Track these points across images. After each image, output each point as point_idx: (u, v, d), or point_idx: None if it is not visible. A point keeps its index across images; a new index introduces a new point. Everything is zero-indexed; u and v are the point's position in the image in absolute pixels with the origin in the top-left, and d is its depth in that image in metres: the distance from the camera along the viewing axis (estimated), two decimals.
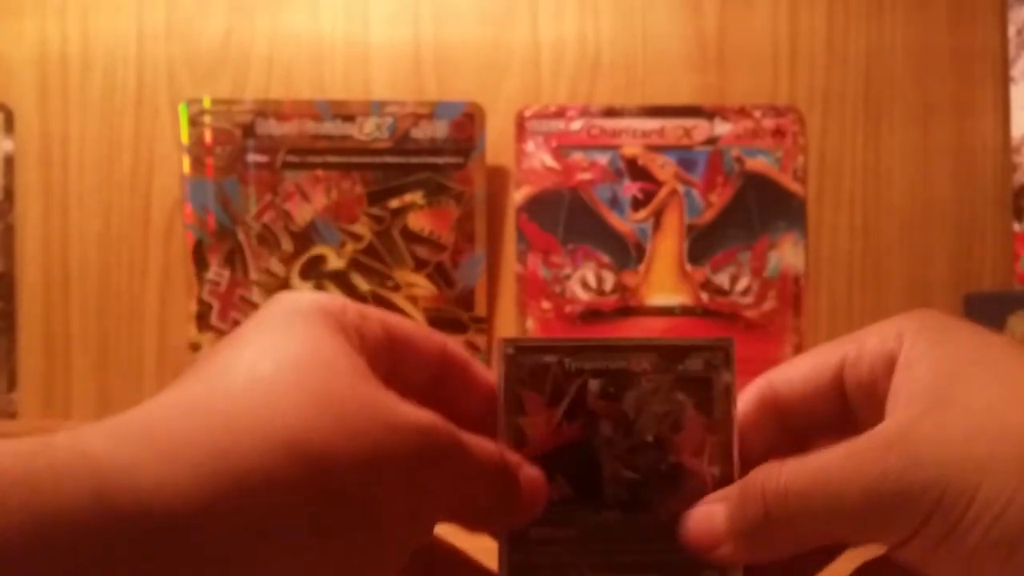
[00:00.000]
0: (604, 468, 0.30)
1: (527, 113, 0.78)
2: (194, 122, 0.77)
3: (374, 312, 0.28)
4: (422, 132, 0.77)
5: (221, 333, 0.76)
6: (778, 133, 0.79)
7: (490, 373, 0.30)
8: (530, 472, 0.29)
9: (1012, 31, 0.81)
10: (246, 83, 0.78)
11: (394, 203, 0.77)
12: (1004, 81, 0.81)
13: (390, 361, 0.27)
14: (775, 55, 0.80)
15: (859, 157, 0.80)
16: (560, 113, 0.78)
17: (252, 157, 0.76)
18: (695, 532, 0.29)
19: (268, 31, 0.78)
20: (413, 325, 0.29)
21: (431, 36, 0.79)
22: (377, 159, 0.77)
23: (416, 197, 0.77)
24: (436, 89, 0.79)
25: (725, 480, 0.30)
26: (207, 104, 0.77)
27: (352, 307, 0.27)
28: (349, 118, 0.77)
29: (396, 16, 0.79)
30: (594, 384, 0.30)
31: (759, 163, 0.79)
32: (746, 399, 0.31)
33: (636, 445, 0.30)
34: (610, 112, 0.79)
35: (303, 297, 0.26)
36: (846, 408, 0.30)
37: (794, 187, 0.79)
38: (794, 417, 0.30)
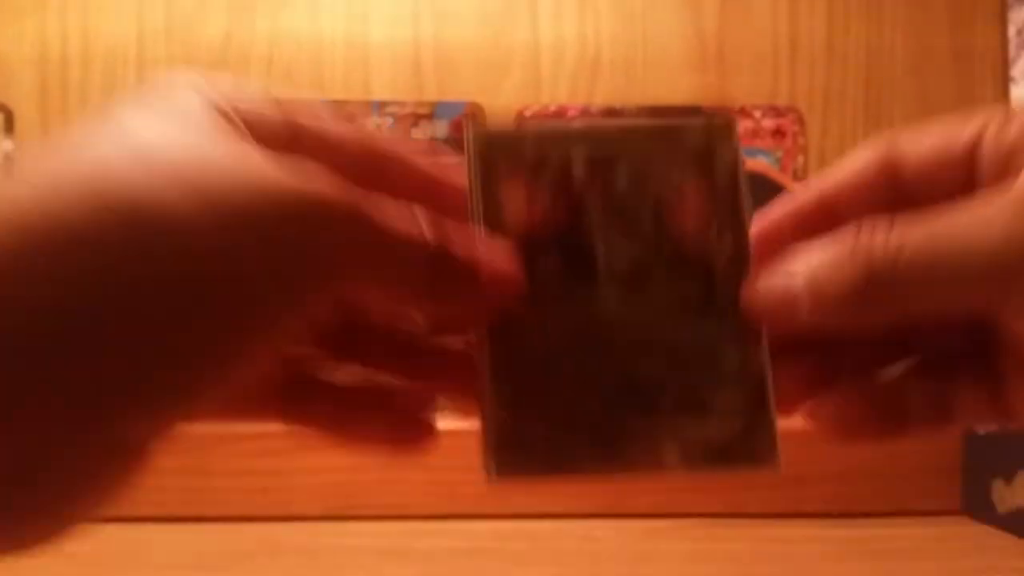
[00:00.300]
0: (597, 249, 0.27)
1: (527, 113, 0.78)
2: None
3: (277, 103, 0.26)
4: (422, 132, 0.76)
5: None
6: (778, 133, 0.79)
7: (434, 165, 0.28)
8: (494, 250, 0.26)
9: (1012, 31, 0.81)
10: None
11: None
12: (1004, 81, 0.81)
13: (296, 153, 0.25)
14: (775, 55, 0.80)
15: None
16: (560, 113, 0.78)
17: None
18: (764, 294, 0.26)
19: (268, 31, 0.78)
20: (329, 120, 0.27)
21: (431, 36, 0.79)
22: None
23: None
24: (436, 89, 0.79)
25: (738, 258, 0.27)
26: None
27: (246, 97, 0.25)
28: (349, 118, 0.77)
29: (396, 16, 0.79)
30: (580, 167, 0.27)
31: (759, 163, 0.79)
32: (863, 155, 0.28)
33: (632, 224, 0.27)
34: (610, 112, 0.79)
35: (184, 79, 0.25)
36: (972, 182, 0.26)
37: (794, 187, 0.79)
38: (912, 184, 0.27)
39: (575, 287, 0.27)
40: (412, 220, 0.24)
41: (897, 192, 0.27)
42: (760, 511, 0.70)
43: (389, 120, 0.77)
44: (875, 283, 0.24)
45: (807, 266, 0.25)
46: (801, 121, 0.80)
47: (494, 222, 0.27)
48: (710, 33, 0.80)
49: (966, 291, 0.24)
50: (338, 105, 0.77)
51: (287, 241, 0.22)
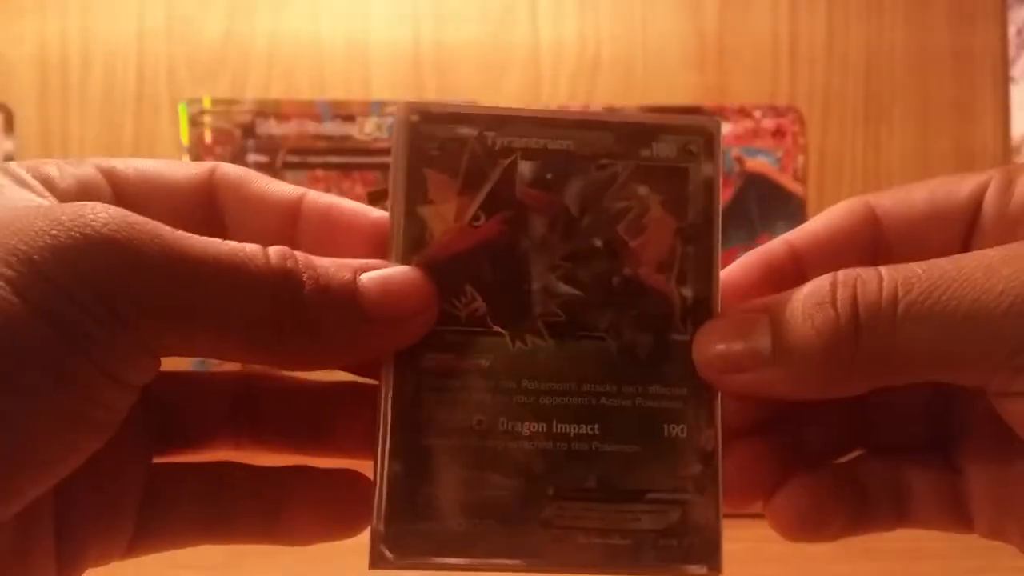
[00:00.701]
0: (533, 279, 0.22)
1: None
2: (194, 122, 0.77)
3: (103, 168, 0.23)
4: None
5: None
6: (778, 133, 0.79)
7: (279, 188, 0.24)
8: (393, 278, 0.21)
9: (1012, 31, 0.81)
10: (246, 83, 0.78)
11: None
12: (1004, 81, 0.81)
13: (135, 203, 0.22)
14: (775, 55, 0.80)
15: (859, 157, 0.80)
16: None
17: (252, 157, 0.76)
18: (716, 350, 0.22)
19: (268, 31, 0.78)
20: (161, 165, 0.24)
21: (431, 36, 0.79)
22: (377, 159, 0.77)
23: None
24: (436, 89, 0.79)
25: (700, 305, 0.22)
26: (207, 104, 0.77)
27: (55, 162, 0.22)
28: (349, 118, 0.77)
29: (396, 16, 0.79)
30: (526, 167, 0.23)
31: (759, 163, 0.79)
32: (842, 209, 0.24)
33: (579, 251, 0.23)
34: (608, 113, 0.79)
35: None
36: (966, 245, 0.23)
37: (794, 187, 0.79)
38: (896, 243, 0.24)
39: (499, 328, 0.22)
40: (247, 250, 0.20)
41: (878, 251, 0.24)
42: (760, 511, 0.70)
43: (389, 120, 0.77)
44: (861, 335, 0.20)
45: (776, 320, 0.21)
46: (801, 121, 0.80)
47: (419, 237, 0.22)
48: (710, 33, 0.80)
49: (975, 355, 0.20)
50: (338, 105, 0.77)
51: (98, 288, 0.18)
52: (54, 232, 0.18)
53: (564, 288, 0.23)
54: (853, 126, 0.80)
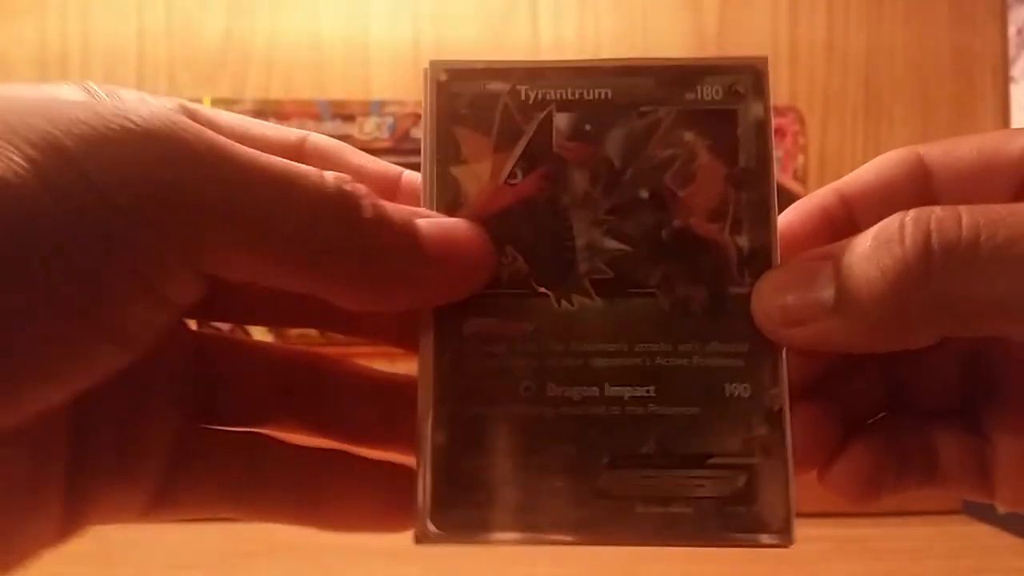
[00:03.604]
0: (576, 235, 0.21)
1: None
2: None
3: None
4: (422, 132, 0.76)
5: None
6: (778, 133, 0.79)
7: (375, 164, 0.23)
8: (453, 224, 0.20)
9: (1012, 31, 0.81)
10: (246, 83, 0.78)
11: None
12: (1004, 81, 0.81)
13: None
14: (775, 55, 0.80)
15: (859, 157, 0.80)
16: None
17: None
18: (776, 302, 0.20)
19: (268, 31, 0.78)
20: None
21: (431, 36, 0.79)
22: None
23: None
24: None
25: (758, 255, 0.21)
26: (207, 104, 0.77)
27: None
28: (349, 118, 0.77)
29: (396, 16, 0.79)
30: (563, 119, 0.21)
31: None
32: (891, 159, 0.23)
33: (624, 204, 0.21)
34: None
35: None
36: (1017, 198, 0.22)
37: (794, 187, 0.79)
38: (945, 196, 0.22)
39: (546, 287, 0.21)
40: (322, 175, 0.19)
41: (925, 202, 0.21)
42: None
43: (389, 120, 0.77)
44: (932, 274, 0.18)
45: (839, 266, 0.19)
46: (801, 121, 0.79)
47: (454, 197, 0.21)
48: (710, 33, 0.80)
49: None
50: (338, 105, 0.77)
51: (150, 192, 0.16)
52: (91, 122, 0.16)
53: (610, 243, 0.21)
54: (853, 126, 0.80)
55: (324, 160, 0.23)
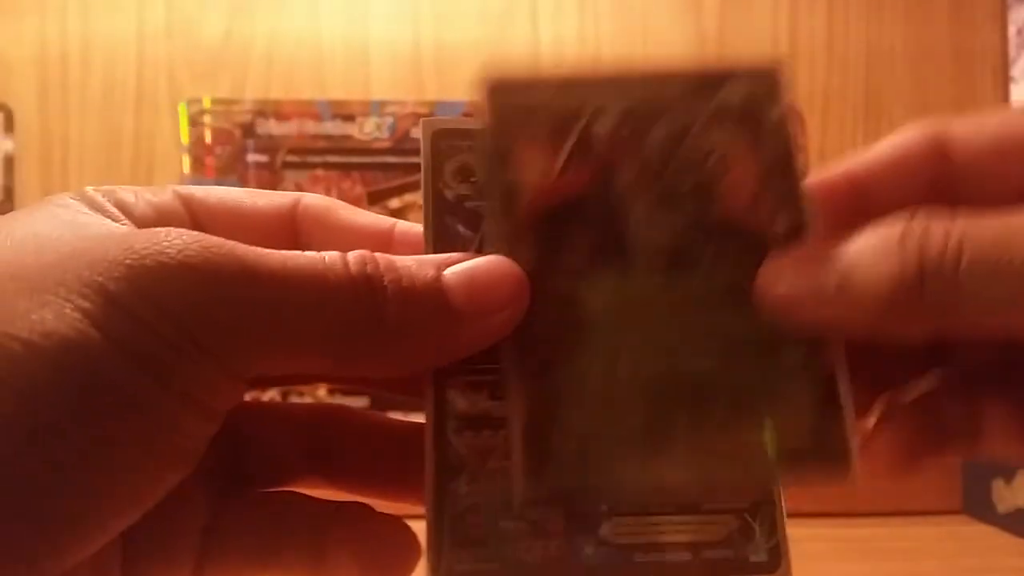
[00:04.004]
0: (628, 226, 0.22)
1: None
2: (194, 122, 0.77)
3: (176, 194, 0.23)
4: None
5: None
6: None
7: (367, 218, 0.24)
8: (472, 269, 0.21)
9: (1012, 31, 0.81)
10: (246, 83, 0.78)
11: (394, 203, 0.77)
12: (1004, 81, 0.81)
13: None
14: (775, 55, 0.80)
15: None
16: None
17: (252, 157, 0.76)
18: (779, 288, 0.21)
19: (268, 31, 0.78)
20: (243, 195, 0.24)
21: (431, 36, 0.79)
22: (377, 159, 0.77)
23: (416, 197, 0.77)
24: (436, 89, 0.79)
25: (794, 236, 0.22)
26: (207, 104, 0.77)
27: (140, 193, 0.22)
28: (349, 118, 0.77)
29: (396, 16, 0.79)
30: (604, 123, 0.23)
31: None
32: (907, 136, 0.24)
33: (668, 196, 0.23)
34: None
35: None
36: None
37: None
38: (963, 176, 0.23)
39: (602, 276, 0.22)
40: (323, 258, 0.20)
41: (943, 184, 0.23)
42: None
43: (389, 120, 0.77)
44: (925, 287, 0.19)
45: (841, 260, 0.21)
46: (801, 121, 0.79)
47: (509, 201, 0.22)
48: (710, 33, 0.80)
49: None
50: (338, 105, 0.77)
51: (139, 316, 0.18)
52: (129, 261, 0.18)
53: (660, 229, 0.22)
54: (853, 126, 0.80)
55: (317, 222, 0.24)
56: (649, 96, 0.23)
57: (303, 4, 0.79)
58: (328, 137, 0.76)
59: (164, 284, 0.18)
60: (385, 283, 0.20)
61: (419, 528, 0.22)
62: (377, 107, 0.77)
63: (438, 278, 0.20)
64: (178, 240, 0.18)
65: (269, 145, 0.76)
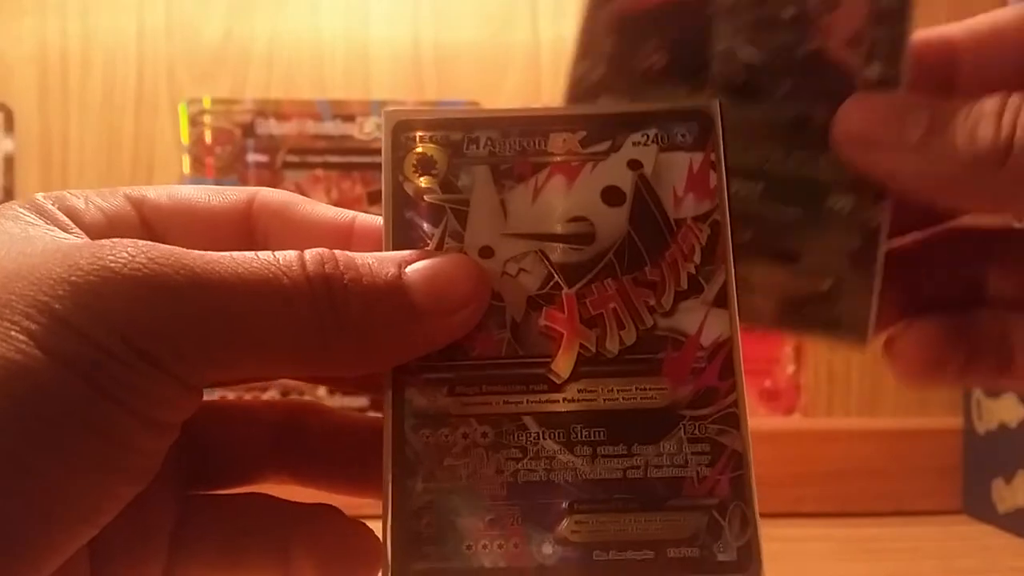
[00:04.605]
0: (717, 39, 0.22)
1: None
2: (194, 122, 0.77)
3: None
4: None
5: None
6: None
7: (326, 212, 0.24)
8: (434, 267, 0.20)
9: None
10: (246, 83, 0.78)
11: None
12: None
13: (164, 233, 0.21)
14: None
15: None
16: None
17: (252, 157, 0.76)
18: (863, 120, 0.21)
19: (268, 31, 0.78)
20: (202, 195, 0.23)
21: (431, 36, 0.79)
22: (377, 159, 0.76)
23: None
24: (436, 89, 0.79)
25: (885, 85, 0.22)
26: (207, 104, 0.77)
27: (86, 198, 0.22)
28: (349, 118, 0.77)
29: (396, 16, 0.79)
30: None
31: None
32: (1010, 11, 0.24)
33: (768, 18, 0.22)
34: None
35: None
36: None
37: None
38: None
39: (677, 79, 0.22)
40: (277, 260, 0.19)
41: None
42: (759, 511, 0.70)
43: None
44: (1011, 158, 0.20)
45: (935, 113, 0.20)
46: None
47: None
48: None
49: None
50: (338, 105, 0.77)
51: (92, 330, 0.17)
52: (74, 278, 0.17)
53: (746, 52, 0.22)
54: None
55: (275, 217, 0.23)
56: None
57: (303, 4, 0.79)
58: (328, 137, 0.76)
59: (110, 299, 0.17)
60: (345, 281, 0.19)
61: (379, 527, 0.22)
62: (377, 107, 0.77)
63: (399, 276, 0.20)
64: (123, 253, 0.18)
65: (269, 145, 0.76)
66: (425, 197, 0.23)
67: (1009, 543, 0.66)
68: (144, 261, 0.18)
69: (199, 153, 0.76)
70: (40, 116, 0.77)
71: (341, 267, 0.19)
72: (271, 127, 0.76)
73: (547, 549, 0.21)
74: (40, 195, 0.21)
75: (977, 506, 0.72)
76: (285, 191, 0.24)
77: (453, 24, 0.79)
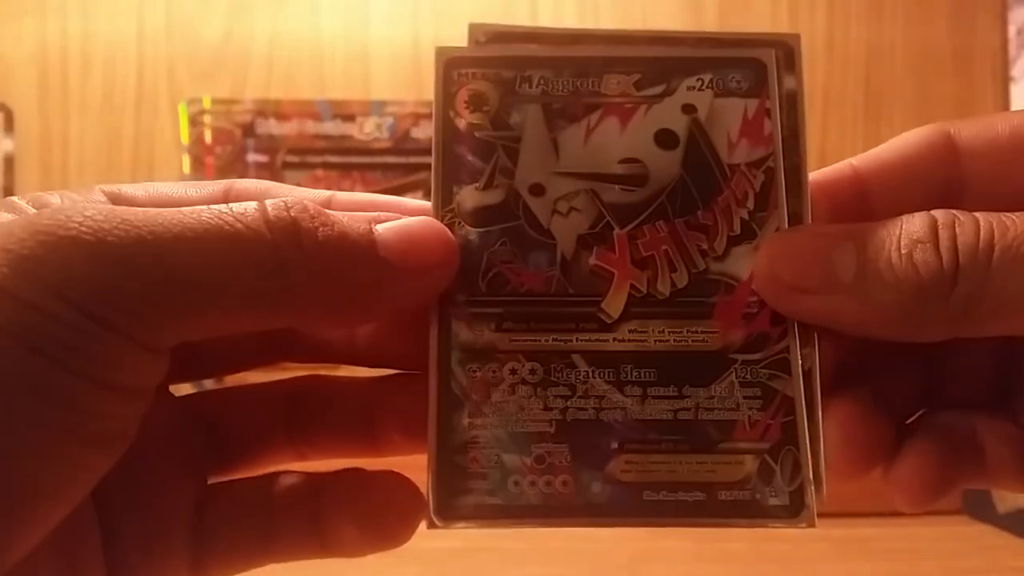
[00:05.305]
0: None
1: None
2: (194, 122, 0.77)
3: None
4: (422, 132, 0.76)
5: None
6: None
7: (302, 194, 0.24)
8: (406, 225, 0.20)
9: (1012, 31, 0.81)
10: (246, 83, 0.78)
11: None
12: (1004, 81, 0.81)
13: None
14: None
15: None
16: None
17: (252, 157, 0.76)
18: (787, 265, 0.21)
19: (268, 31, 0.78)
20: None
21: (431, 36, 0.79)
22: (377, 159, 0.77)
23: (416, 197, 0.77)
24: None
25: (793, 223, 0.22)
26: (207, 104, 0.77)
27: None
28: (349, 118, 0.77)
29: (396, 16, 0.79)
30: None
31: None
32: (917, 136, 0.23)
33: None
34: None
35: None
36: None
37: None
38: (975, 180, 0.22)
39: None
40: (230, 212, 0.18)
41: (952, 184, 0.22)
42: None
43: (389, 120, 0.77)
44: (958, 279, 0.19)
45: (863, 247, 0.20)
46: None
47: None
48: None
49: None
50: (338, 105, 0.77)
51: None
52: (10, 246, 0.17)
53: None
54: (853, 126, 0.80)
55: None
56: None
57: (303, 4, 0.79)
58: (328, 137, 0.76)
59: (51, 264, 0.17)
60: (315, 225, 0.19)
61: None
62: (377, 107, 0.77)
63: (370, 231, 0.20)
64: (59, 216, 0.17)
65: (269, 145, 0.76)
66: (476, 133, 0.23)
67: (1009, 543, 0.66)
68: (80, 220, 0.17)
69: (199, 153, 0.76)
70: (40, 116, 0.77)
71: (311, 211, 0.19)
72: (271, 127, 0.76)
73: (596, 488, 0.21)
74: (15, 197, 0.21)
75: (977, 506, 0.72)
76: (261, 180, 0.24)
77: (453, 24, 0.79)
